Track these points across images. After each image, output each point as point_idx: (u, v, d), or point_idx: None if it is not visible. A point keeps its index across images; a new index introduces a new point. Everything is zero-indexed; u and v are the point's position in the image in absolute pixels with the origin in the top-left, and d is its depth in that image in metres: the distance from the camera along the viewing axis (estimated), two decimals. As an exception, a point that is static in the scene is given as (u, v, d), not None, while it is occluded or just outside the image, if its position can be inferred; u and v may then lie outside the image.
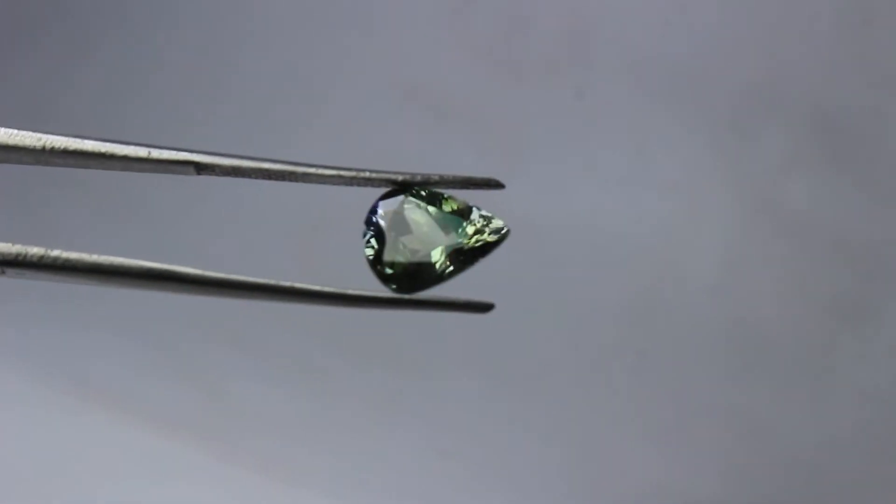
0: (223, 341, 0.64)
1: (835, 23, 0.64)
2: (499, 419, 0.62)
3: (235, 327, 0.64)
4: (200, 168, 0.20)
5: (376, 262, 0.21)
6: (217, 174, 0.21)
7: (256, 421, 0.60)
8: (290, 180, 0.21)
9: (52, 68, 0.75)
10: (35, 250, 0.20)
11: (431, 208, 0.21)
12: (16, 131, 0.20)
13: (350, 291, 0.20)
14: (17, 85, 0.75)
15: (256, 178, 0.21)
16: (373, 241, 0.21)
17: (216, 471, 0.55)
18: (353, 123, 0.69)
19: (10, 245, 0.20)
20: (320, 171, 0.20)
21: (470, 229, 0.21)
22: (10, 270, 0.20)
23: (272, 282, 0.20)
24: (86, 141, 0.20)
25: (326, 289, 0.20)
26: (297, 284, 0.20)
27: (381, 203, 0.21)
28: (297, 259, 0.66)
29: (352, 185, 0.21)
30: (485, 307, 0.20)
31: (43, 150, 0.20)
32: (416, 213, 0.20)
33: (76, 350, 0.64)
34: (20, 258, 0.19)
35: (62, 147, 0.20)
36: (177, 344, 0.64)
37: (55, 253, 0.20)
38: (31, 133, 0.20)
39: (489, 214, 0.21)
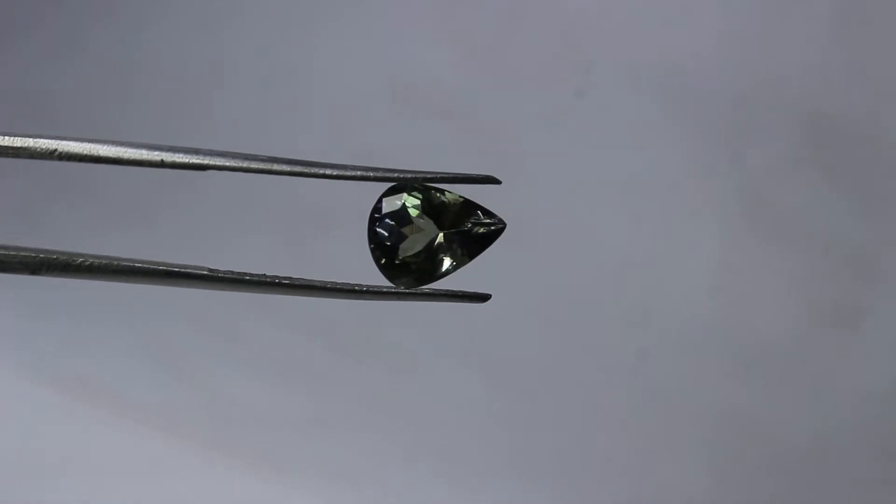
0: (215, 338, 0.64)
1: (829, 27, 0.64)
2: (493, 419, 0.63)
3: (228, 324, 0.64)
4: (210, 168, 0.21)
5: (381, 257, 0.22)
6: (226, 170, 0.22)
7: (249, 418, 0.61)
8: (298, 176, 0.22)
9: (42, 63, 0.73)
10: (58, 257, 0.21)
11: (431, 203, 0.22)
12: (32, 139, 0.21)
13: (357, 285, 0.22)
14: (6, 80, 0.73)
15: (264, 173, 0.22)
16: (376, 236, 0.22)
17: (208, 468, 0.56)
18: (348, 123, 0.69)
19: (34, 255, 0.21)
20: (325, 171, 0.22)
21: (468, 223, 0.22)
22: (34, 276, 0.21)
23: (283, 278, 0.21)
24: (101, 147, 0.21)
25: (336, 283, 0.21)
26: (308, 279, 0.21)
27: (383, 200, 0.22)
28: (292, 251, 0.66)
29: (354, 181, 0.22)
30: (482, 297, 0.22)
31: (60, 158, 0.21)
32: (417, 209, 0.22)
33: (67, 346, 0.64)
34: (45, 265, 0.20)
35: (77, 152, 0.21)
36: (168, 340, 0.64)
37: (79, 260, 0.21)
38: (45, 140, 0.21)
39: (486, 209, 0.22)
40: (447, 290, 0.22)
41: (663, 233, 0.66)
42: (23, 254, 0.20)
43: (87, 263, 0.21)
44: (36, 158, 0.21)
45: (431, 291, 0.22)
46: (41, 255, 0.20)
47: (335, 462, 0.60)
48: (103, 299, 0.63)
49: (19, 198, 0.69)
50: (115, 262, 0.21)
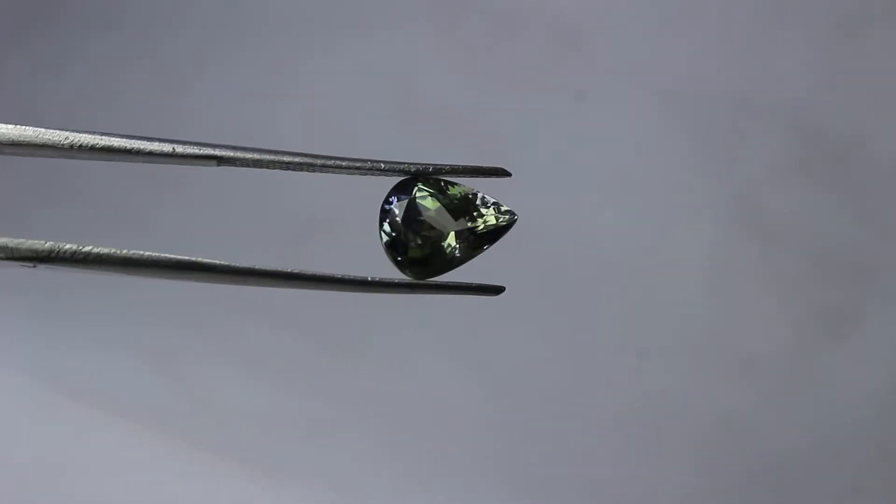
0: (209, 339, 0.64)
1: (822, 35, 0.66)
2: (488, 422, 0.62)
3: (214, 323, 0.64)
4: (221, 162, 0.21)
5: (392, 249, 0.22)
6: (237, 166, 0.22)
7: (242, 420, 0.60)
8: (308, 171, 0.22)
9: (36, 73, 0.74)
10: (67, 246, 0.20)
11: (441, 196, 0.22)
12: (44, 130, 0.21)
13: (370, 278, 0.21)
14: (5, 82, 0.74)
15: (275, 168, 0.22)
16: (388, 228, 0.22)
17: (200, 470, 0.55)
18: (348, 130, 0.69)
19: (42, 242, 0.20)
20: (336, 163, 0.22)
21: (478, 215, 0.22)
22: (41, 266, 0.21)
23: (294, 270, 0.21)
24: (112, 139, 0.21)
25: (347, 275, 0.21)
26: (319, 272, 0.21)
27: (394, 192, 0.22)
28: (292, 250, 0.66)
29: (366, 174, 0.22)
30: (496, 290, 0.22)
31: (70, 147, 0.21)
32: (428, 201, 0.22)
33: (60, 347, 0.63)
34: (53, 254, 0.20)
35: (89, 144, 0.21)
36: (161, 341, 0.64)
37: (87, 248, 0.20)
38: (58, 131, 0.21)
39: (496, 201, 0.22)
40: (460, 283, 0.22)
41: (660, 236, 0.66)
42: (31, 242, 0.20)
43: (95, 252, 0.20)
44: (51, 149, 0.21)
45: (444, 284, 0.22)
46: (49, 244, 0.20)
47: (327, 466, 0.59)
48: (98, 300, 0.63)
49: (7, 197, 0.68)
50: (124, 253, 0.21)
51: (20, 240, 0.20)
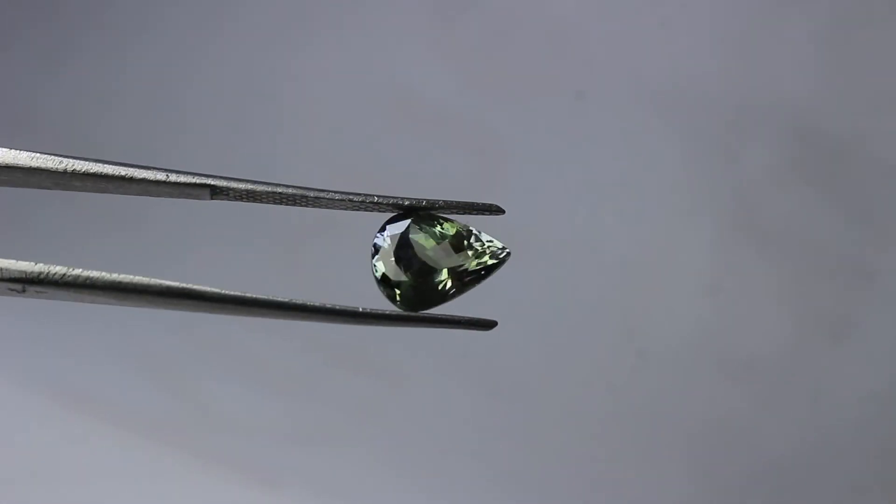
0: (205, 347, 0.64)
1: (818, 43, 0.66)
2: (483, 430, 0.62)
3: (211, 330, 0.64)
4: (215, 192, 0.21)
5: (384, 283, 0.22)
6: (230, 198, 0.22)
7: (238, 428, 0.61)
8: (302, 204, 0.22)
9: (28, 74, 0.74)
10: (57, 269, 0.20)
11: (436, 232, 0.22)
12: (38, 154, 0.21)
13: (361, 309, 0.21)
14: (5, 82, 0.74)
15: (268, 202, 0.22)
16: (380, 262, 0.22)
17: (195, 478, 0.55)
18: (347, 130, 0.69)
19: (32, 264, 0.20)
20: (330, 195, 0.21)
21: (472, 253, 0.22)
22: (31, 289, 0.21)
23: (285, 300, 0.21)
24: (106, 165, 0.21)
25: (337, 306, 0.21)
26: (309, 302, 0.21)
27: (388, 226, 0.22)
28: (288, 264, 0.66)
29: (360, 209, 0.22)
30: (488, 325, 0.21)
31: (64, 172, 0.21)
32: (421, 236, 0.22)
33: (55, 354, 0.63)
34: (43, 276, 0.20)
35: (83, 170, 0.21)
36: (157, 349, 0.64)
37: (77, 271, 0.20)
38: (52, 156, 0.21)
39: (490, 238, 0.22)
40: (454, 317, 0.21)
41: (660, 237, 0.67)
42: (21, 263, 0.20)
43: (84, 275, 0.20)
44: (44, 175, 0.21)
45: (438, 317, 0.21)
46: (39, 265, 0.20)
47: (323, 475, 0.59)
48: (92, 306, 0.62)
49: (9, 204, 0.68)
50: (113, 277, 0.20)
51: (10, 260, 0.20)
